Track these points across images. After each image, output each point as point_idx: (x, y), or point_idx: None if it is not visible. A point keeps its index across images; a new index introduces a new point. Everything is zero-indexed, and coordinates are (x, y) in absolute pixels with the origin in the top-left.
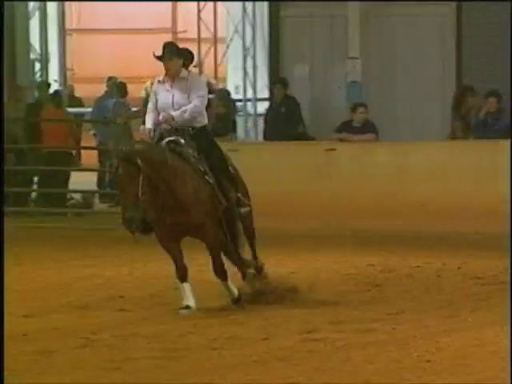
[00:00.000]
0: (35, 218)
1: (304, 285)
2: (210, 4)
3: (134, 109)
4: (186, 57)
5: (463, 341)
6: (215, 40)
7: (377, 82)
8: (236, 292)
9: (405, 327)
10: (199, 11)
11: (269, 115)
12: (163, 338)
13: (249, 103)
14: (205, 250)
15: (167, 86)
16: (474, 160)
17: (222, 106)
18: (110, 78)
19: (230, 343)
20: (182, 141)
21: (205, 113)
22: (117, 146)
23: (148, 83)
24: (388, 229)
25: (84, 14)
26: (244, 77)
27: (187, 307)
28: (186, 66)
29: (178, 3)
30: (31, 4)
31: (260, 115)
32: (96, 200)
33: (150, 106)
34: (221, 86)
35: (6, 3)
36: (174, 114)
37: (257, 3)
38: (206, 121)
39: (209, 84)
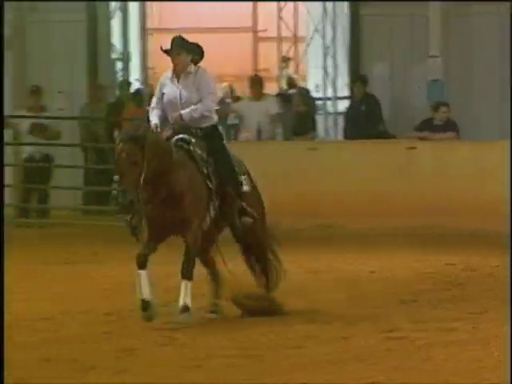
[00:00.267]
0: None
1: (382, 284)
2: (291, 3)
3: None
4: (196, 52)
5: None
6: (295, 39)
7: (457, 81)
8: (188, 301)
9: (487, 326)
10: (280, 11)
11: (349, 113)
12: (241, 336)
13: (329, 102)
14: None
15: (174, 81)
16: None
17: (302, 105)
18: None
19: (308, 342)
20: (193, 140)
21: (214, 111)
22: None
23: (225, 84)
24: (468, 228)
25: (165, 13)
26: (324, 75)
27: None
28: (195, 61)
29: (259, 3)
30: (113, 4)
31: (340, 114)
32: None
33: (155, 100)
34: (301, 84)
35: (88, 3)
36: (183, 112)
37: (337, 2)
38: (215, 119)
39: (291, 79)
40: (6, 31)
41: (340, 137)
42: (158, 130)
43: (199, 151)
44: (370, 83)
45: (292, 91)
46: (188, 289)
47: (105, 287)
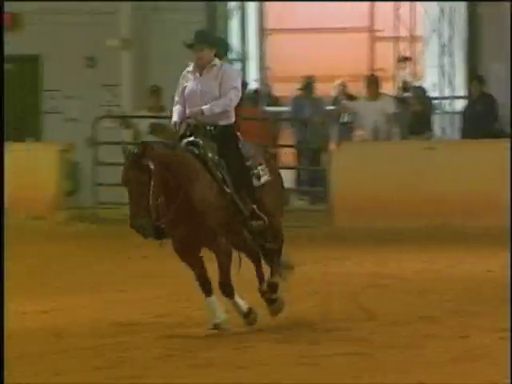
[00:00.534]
0: None
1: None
2: (408, 3)
3: (330, 107)
4: (220, 46)
5: None
6: (412, 39)
7: None
8: (245, 307)
9: None
10: (396, 10)
11: (466, 113)
12: (355, 336)
13: (445, 101)
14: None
15: (196, 74)
16: None
17: (419, 104)
18: (305, 78)
19: (427, 341)
20: (201, 142)
21: (233, 109)
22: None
23: (337, 82)
24: None
25: (282, 14)
26: (441, 75)
27: (215, 327)
28: (219, 55)
29: (376, 3)
30: (231, 5)
31: (457, 113)
32: (293, 197)
33: (177, 97)
34: (418, 84)
35: (208, 4)
36: (204, 108)
37: (454, 2)
38: (232, 119)
39: (405, 83)
40: (127, 31)
41: (457, 136)
42: (177, 128)
43: (210, 154)
44: (487, 82)
45: (407, 94)
46: (236, 304)
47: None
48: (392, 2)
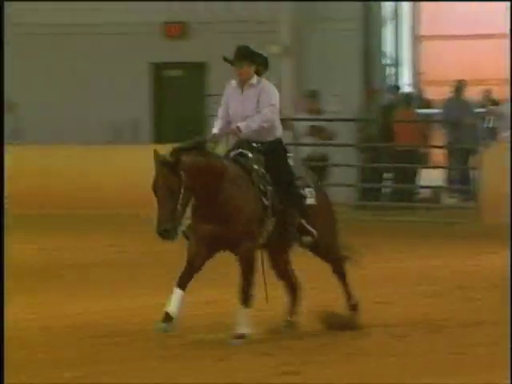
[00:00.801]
0: (387, 211)
1: None
2: None
3: (480, 110)
4: (260, 62)
5: None
6: None
7: None
8: (246, 330)
9: None
10: None
11: None
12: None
13: None
14: None
15: (239, 90)
16: None
17: None
18: (456, 82)
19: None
20: (250, 155)
21: (278, 124)
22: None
23: (482, 88)
24: None
25: (436, 20)
26: None
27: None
28: (259, 72)
29: None
30: (386, 11)
31: None
32: (444, 195)
33: (220, 110)
34: None
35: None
36: (241, 125)
37: None
38: (279, 133)
39: None
40: (287, 39)
41: None
42: (215, 139)
43: (256, 166)
44: None
45: None
46: (247, 317)
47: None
48: None
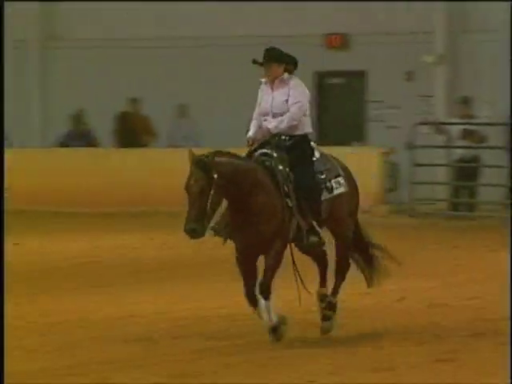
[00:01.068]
0: None
1: None
2: None
3: None
4: (289, 62)
5: None
6: None
7: None
8: (275, 318)
9: None
10: None
11: None
12: None
13: None
14: None
15: (269, 89)
16: None
17: None
18: None
19: None
20: (275, 154)
21: (306, 120)
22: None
23: None
24: None
25: None
26: None
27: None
28: (289, 71)
29: None
30: None
31: None
32: None
33: (256, 110)
34: None
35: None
36: (271, 126)
37: None
38: (306, 129)
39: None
40: (441, 48)
41: None
42: (251, 142)
43: (281, 166)
44: None
45: None
46: (268, 307)
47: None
48: None
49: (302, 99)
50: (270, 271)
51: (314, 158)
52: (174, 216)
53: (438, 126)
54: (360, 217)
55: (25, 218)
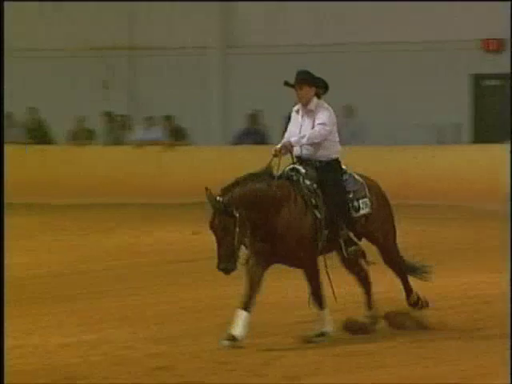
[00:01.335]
0: None
1: None
2: None
3: None
4: (320, 85)
5: None
6: None
7: None
8: (329, 328)
9: None
10: None
11: None
12: None
13: None
14: None
15: (299, 114)
16: None
17: None
18: None
19: None
20: (303, 170)
21: (333, 145)
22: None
23: None
24: None
25: None
26: None
27: (232, 338)
28: (318, 95)
29: None
30: None
31: None
32: None
33: (285, 135)
34: None
35: None
36: (292, 140)
37: None
38: (334, 154)
39: None
40: None
41: None
42: (275, 155)
43: (308, 182)
44: None
45: None
46: (327, 317)
47: None
48: None
49: (326, 121)
50: (314, 281)
51: (344, 178)
52: None
53: None
54: None
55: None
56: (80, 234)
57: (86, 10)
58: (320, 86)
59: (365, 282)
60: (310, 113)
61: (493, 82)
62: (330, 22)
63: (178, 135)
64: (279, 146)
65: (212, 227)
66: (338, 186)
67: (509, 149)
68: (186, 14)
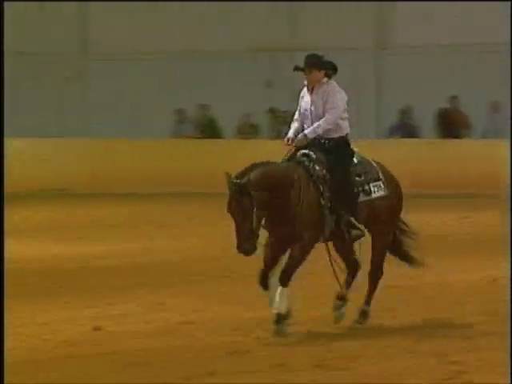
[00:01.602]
0: None
1: None
2: None
3: None
4: (328, 67)
5: None
6: None
7: None
8: (284, 307)
9: None
10: None
11: None
12: None
13: None
14: None
15: (309, 93)
16: None
17: None
18: None
19: None
20: (314, 156)
21: (343, 123)
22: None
23: None
24: None
25: None
26: None
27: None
28: (328, 76)
29: None
30: None
31: None
32: None
33: (296, 113)
34: None
35: None
36: (307, 132)
37: None
38: (344, 131)
39: None
40: None
41: None
42: (290, 142)
43: (318, 167)
44: None
45: None
46: (283, 295)
47: None
48: None
49: (338, 104)
50: (294, 261)
51: (354, 161)
52: (488, 197)
53: None
54: None
55: None
56: None
57: (252, 13)
58: (329, 69)
59: (354, 265)
60: (321, 87)
61: None
62: (481, 21)
63: None
64: (290, 134)
65: (229, 210)
66: (344, 169)
67: None
68: (342, 16)
